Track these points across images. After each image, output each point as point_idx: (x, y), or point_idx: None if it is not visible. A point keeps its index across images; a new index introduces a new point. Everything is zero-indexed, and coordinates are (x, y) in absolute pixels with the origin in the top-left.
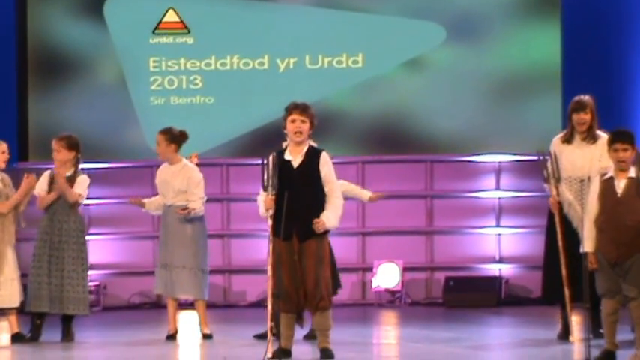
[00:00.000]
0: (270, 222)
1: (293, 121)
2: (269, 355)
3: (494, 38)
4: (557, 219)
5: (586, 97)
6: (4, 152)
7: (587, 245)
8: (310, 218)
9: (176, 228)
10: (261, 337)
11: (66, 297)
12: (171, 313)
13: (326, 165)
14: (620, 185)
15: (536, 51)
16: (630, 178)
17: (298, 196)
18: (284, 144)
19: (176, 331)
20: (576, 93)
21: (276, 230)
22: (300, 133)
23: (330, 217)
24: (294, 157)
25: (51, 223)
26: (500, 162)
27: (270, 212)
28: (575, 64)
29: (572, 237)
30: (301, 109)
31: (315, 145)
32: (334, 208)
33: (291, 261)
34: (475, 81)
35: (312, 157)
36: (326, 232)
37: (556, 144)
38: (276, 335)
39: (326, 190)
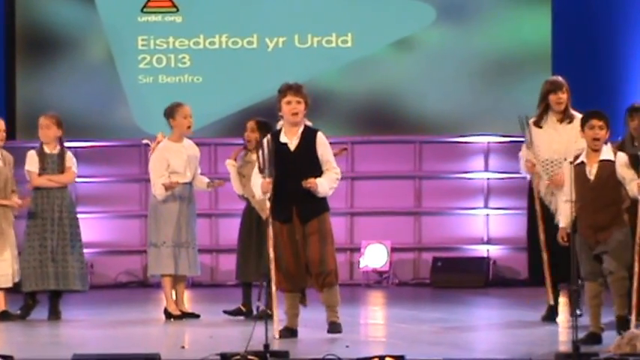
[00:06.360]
0: (268, 204)
1: (288, 103)
2: (276, 335)
3: (485, 18)
4: (535, 186)
5: (559, 77)
6: None
7: (561, 221)
8: (309, 199)
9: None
10: (232, 313)
11: (71, 273)
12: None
13: (322, 145)
14: (592, 171)
15: (527, 31)
16: (602, 162)
17: (297, 178)
18: (278, 125)
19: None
20: (566, 73)
21: (275, 213)
22: (297, 114)
23: (322, 183)
24: (291, 138)
25: (47, 199)
26: (489, 143)
27: (268, 195)
28: (566, 44)
29: (552, 220)
30: (295, 89)
31: (310, 124)
32: (329, 177)
33: (292, 241)
34: (465, 61)
35: (308, 138)
36: (326, 210)
37: (531, 126)
38: (270, 316)
39: (324, 169)
